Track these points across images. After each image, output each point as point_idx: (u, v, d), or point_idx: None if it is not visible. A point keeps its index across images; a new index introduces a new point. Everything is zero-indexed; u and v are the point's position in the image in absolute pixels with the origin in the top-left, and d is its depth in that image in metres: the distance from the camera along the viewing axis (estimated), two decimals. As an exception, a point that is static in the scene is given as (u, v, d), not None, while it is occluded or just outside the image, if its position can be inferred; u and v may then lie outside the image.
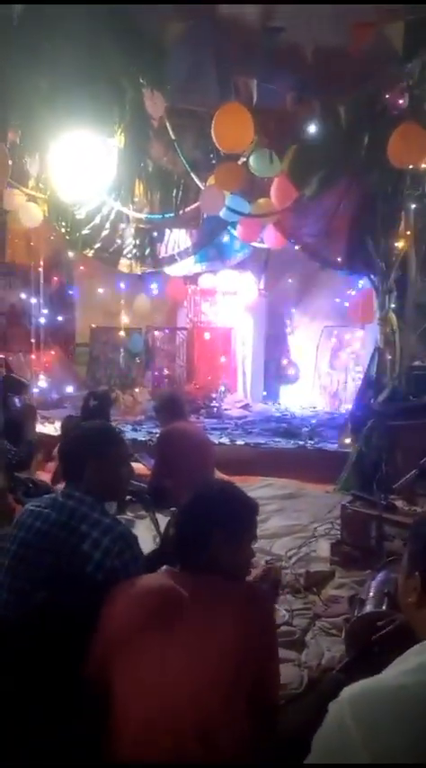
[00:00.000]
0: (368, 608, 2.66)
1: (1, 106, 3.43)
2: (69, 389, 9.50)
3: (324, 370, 10.40)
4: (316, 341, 10.49)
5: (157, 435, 5.57)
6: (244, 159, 5.82)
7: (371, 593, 2.75)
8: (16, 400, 5.53)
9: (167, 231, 7.51)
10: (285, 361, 10.65)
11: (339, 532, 4.14)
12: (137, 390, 9.81)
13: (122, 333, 10.26)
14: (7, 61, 3.32)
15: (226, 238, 8.70)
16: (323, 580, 3.59)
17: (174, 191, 6.35)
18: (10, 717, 1.81)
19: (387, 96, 5.36)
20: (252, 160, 5.80)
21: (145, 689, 1.56)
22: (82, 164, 4.61)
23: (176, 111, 5.58)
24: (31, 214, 6.70)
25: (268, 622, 1.73)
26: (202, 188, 6.15)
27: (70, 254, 9.22)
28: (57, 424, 7.07)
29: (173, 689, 1.53)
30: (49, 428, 7.10)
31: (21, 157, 5.00)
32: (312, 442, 7.23)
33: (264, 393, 10.53)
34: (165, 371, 10.56)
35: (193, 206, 6.42)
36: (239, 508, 1.85)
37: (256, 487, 5.67)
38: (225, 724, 1.51)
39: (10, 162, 3.55)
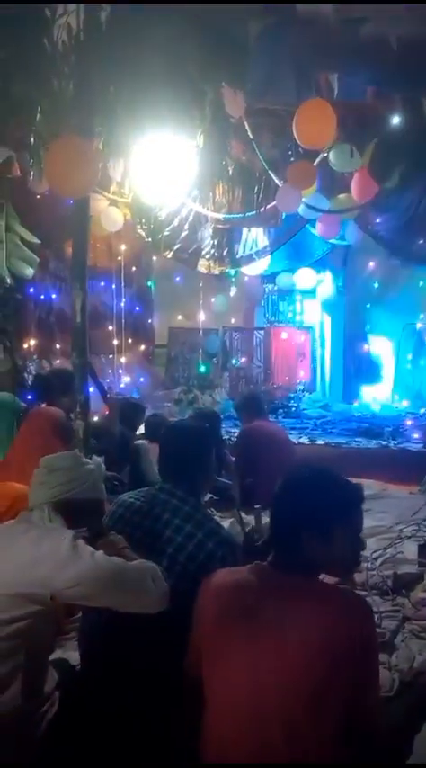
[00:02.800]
0: (463, 611, 2.58)
1: (87, 112, 3.52)
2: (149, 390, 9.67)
3: (406, 369, 10.14)
4: (397, 338, 10.26)
5: (237, 434, 5.59)
6: (324, 155, 5.75)
7: (465, 597, 2.67)
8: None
9: (245, 230, 7.51)
10: (365, 360, 10.46)
11: (426, 534, 4.03)
12: (215, 391, 9.86)
13: (201, 333, 10.34)
14: (95, 68, 3.41)
15: (304, 236, 8.62)
16: (412, 582, 3.49)
17: (256, 188, 6.34)
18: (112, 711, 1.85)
19: None
20: (332, 155, 5.72)
21: (229, 687, 1.55)
22: (163, 166, 4.68)
23: (254, 110, 5.57)
24: (112, 218, 6.84)
25: (367, 631, 1.56)
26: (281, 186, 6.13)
27: (150, 257, 9.39)
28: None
29: (257, 689, 1.50)
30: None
31: (104, 163, 5.10)
32: (395, 442, 7.06)
33: (344, 392, 10.37)
34: (243, 372, 10.56)
35: (274, 203, 6.39)
36: (329, 502, 1.62)
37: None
38: (311, 726, 1.46)
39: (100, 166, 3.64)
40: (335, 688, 1.48)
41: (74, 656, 2.37)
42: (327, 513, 1.62)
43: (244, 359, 10.68)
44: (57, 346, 7.88)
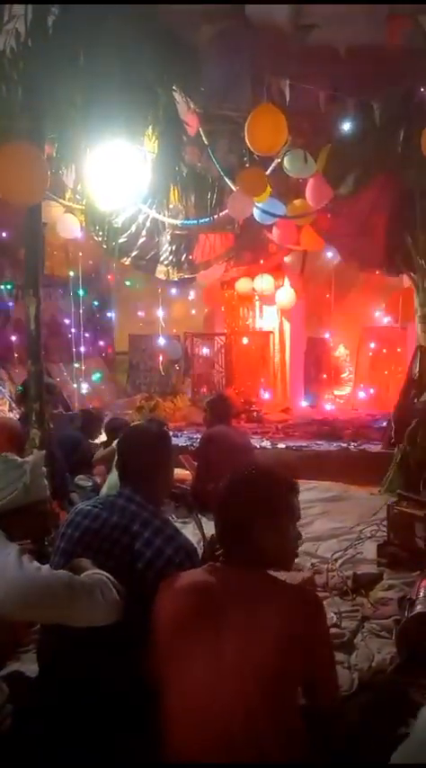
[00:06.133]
0: (419, 608, 2.61)
1: (37, 118, 3.47)
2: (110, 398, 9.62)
3: (365, 371, 10.28)
4: (356, 342, 10.39)
5: (199, 439, 5.59)
6: (279, 160, 5.80)
7: (421, 594, 2.71)
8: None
9: (202, 236, 7.53)
10: (325, 363, 10.56)
11: (385, 534, 4.08)
12: (176, 397, 9.85)
13: (161, 340, 10.32)
14: (43, 72, 3.37)
15: (262, 241, 8.68)
16: (371, 582, 3.53)
17: (209, 194, 6.35)
18: (69, 716, 1.82)
19: (423, 90, 5.27)
20: (286, 161, 5.77)
21: (189, 685, 1.56)
22: (117, 172, 4.65)
23: (210, 116, 5.59)
24: (68, 225, 6.78)
25: (319, 624, 1.65)
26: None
27: (108, 263, 9.33)
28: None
29: (216, 685, 1.52)
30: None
31: (57, 169, 5.07)
32: (355, 444, 7.13)
33: (304, 396, 10.45)
34: (204, 377, 10.56)
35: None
36: (275, 491, 1.75)
37: (300, 490, 5.61)
38: (270, 720, 1.48)
39: (48, 173, 3.59)
40: (291, 676, 1.52)
41: (32, 669, 2.33)
42: (277, 502, 1.74)
43: (205, 364, 10.68)
44: (16, 354, 7.78)
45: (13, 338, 7.87)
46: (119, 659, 1.86)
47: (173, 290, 10.09)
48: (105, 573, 1.84)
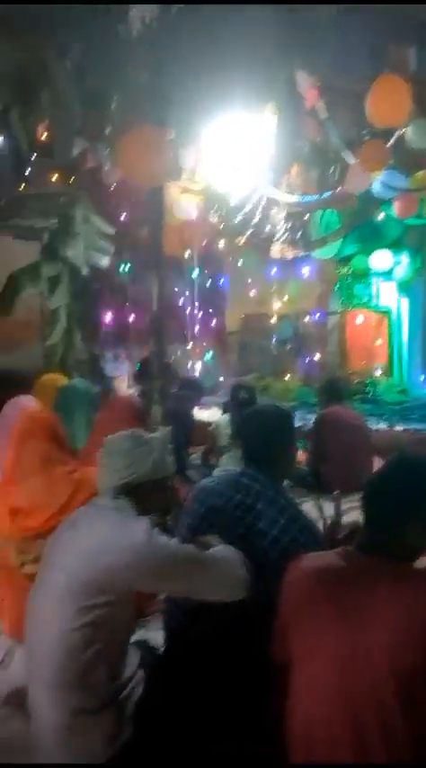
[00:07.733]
0: None
1: (163, 101, 3.53)
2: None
3: None
4: None
5: (313, 420, 5.54)
6: (402, 132, 5.55)
7: None
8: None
9: (318, 213, 7.39)
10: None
11: None
12: (288, 377, 9.79)
13: (273, 320, 10.26)
14: (170, 57, 3.41)
15: (380, 216, 8.38)
16: None
17: (331, 168, 6.21)
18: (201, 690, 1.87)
19: None
20: (410, 132, 5.52)
21: (317, 671, 1.54)
22: (237, 151, 4.64)
23: (328, 88, 5.44)
24: (184, 207, 6.86)
25: None
26: (357, 166, 5.96)
27: (221, 243, 9.36)
28: (213, 410, 7.23)
29: (345, 674, 1.48)
30: (204, 414, 7.27)
31: (175, 151, 5.12)
32: None
33: (423, 377, 10.07)
34: (317, 357, 10.40)
35: (346, 184, 6.25)
36: None
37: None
38: (403, 717, 1.42)
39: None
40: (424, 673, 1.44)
41: (155, 636, 2.41)
42: None
43: (318, 344, 10.53)
44: (133, 334, 8.03)
45: (131, 317, 8.10)
46: (243, 636, 1.89)
47: (287, 269, 9.97)
48: (235, 550, 1.87)
